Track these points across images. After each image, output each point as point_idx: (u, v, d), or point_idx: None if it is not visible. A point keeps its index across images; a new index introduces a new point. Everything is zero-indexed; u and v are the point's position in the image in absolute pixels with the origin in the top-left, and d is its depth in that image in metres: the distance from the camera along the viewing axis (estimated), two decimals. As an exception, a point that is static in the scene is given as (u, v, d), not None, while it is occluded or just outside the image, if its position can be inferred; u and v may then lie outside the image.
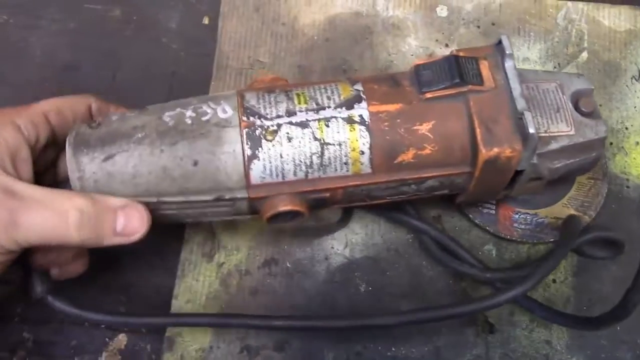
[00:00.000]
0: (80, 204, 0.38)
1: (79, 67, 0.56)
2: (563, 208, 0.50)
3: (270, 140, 0.40)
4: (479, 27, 0.57)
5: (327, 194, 0.42)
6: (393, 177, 0.42)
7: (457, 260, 0.49)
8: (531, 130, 0.39)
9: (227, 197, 0.40)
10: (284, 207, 0.40)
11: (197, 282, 0.50)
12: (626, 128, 0.54)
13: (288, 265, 0.50)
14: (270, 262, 0.50)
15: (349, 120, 0.40)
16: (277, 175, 0.40)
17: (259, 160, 0.40)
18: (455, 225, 0.51)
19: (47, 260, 0.43)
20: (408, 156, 0.41)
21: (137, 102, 0.53)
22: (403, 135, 0.41)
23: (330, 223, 0.51)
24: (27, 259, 0.42)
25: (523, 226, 0.50)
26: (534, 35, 0.56)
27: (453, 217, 0.51)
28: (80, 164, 0.39)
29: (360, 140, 0.40)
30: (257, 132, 0.40)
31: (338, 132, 0.40)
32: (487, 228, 0.50)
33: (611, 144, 0.53)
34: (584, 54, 0.56)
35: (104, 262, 0.48)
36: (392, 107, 0.41)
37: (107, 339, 0.48)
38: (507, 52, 0.42)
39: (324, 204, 0.43)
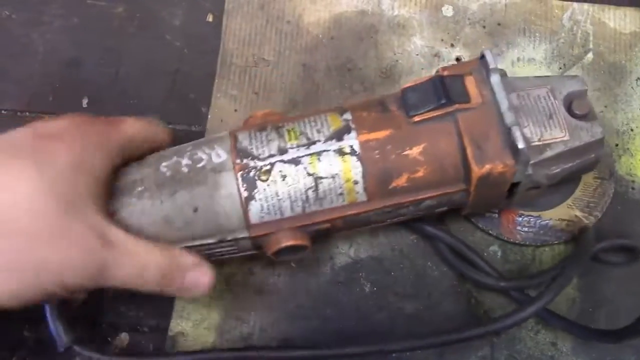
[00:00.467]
0: (160, 261, 0.39)
1: (81, 63, 0.55)
2: (568, 209, 0.50)
3: (265, 180, 0.40)
4: (484, 27, 0.56)
5: (328, 225, 0.42)
6: (389, 202, 0.42)
7: (473, 269, 0.48)
8: (520, 146, 0.39)
9: (229, 238, 0.41)
10: (287, 243, 0.41)
11: (200, 281, 0.49)
12: (632, 130, 0.54)
13: (292, 264, 0.50)
14: (275, 262, 0.50)
15: (340, 152, 0.41)
16: (275, 213, 0.41)
17: (255, 200, 0.40)
18: (460, 227, 0.51)
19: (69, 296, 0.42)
20: (402, 181, 0.41)
21: (140, 99, 0.54)
22: (395, 161, 0.41)
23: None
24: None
25: (526, 229, 0.50)
26: (540, 35, 0.56)
27: (457, 219, 0.51)
28: None
29: (353, 170, 0.41)
30: (252, 173, 0.40)
31: (330, 165, 0.41)
32: (491, 232, 0.50)
33: (617, 145, 0.53)
34: (589, 55, 0.56)
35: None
36: (381, 135, 0.41)
37: (109, 338, 0.48)
38: (491, 66, 0.41)
39: (327, 234, 0.43)
